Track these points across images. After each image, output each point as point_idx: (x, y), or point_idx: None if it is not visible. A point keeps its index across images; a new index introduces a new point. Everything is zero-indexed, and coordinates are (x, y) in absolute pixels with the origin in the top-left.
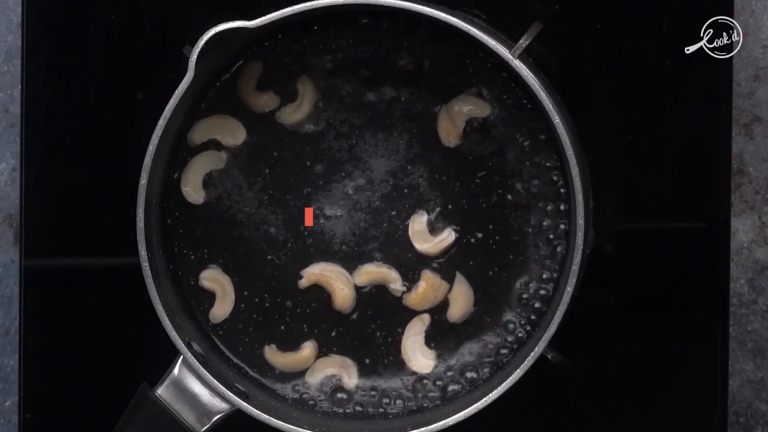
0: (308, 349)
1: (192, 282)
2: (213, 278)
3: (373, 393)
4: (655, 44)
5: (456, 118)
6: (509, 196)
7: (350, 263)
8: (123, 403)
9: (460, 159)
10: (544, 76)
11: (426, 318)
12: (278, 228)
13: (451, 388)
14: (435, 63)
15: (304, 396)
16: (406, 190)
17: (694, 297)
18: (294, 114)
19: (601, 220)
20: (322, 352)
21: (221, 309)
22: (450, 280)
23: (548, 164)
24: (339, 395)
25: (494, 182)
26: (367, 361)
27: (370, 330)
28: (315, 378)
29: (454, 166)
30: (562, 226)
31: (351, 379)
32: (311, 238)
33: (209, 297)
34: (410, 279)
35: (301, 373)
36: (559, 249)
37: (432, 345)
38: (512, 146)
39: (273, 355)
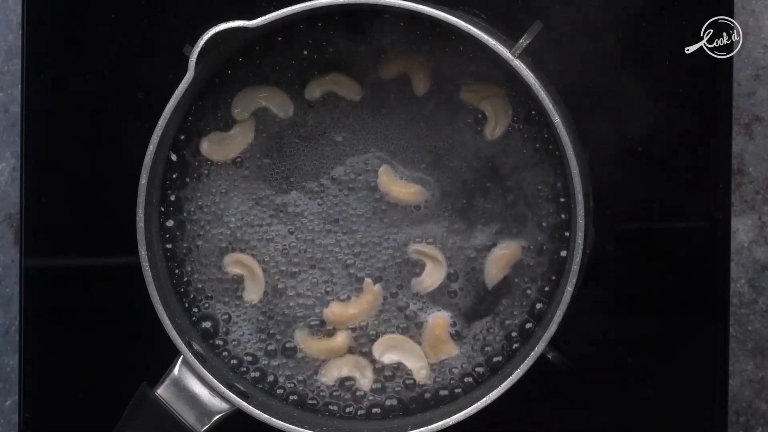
0: (341, 337)
1: (192, 281)
2: (238, 262)
3: (374, 394)
4: (655, 44)
5: (473, 97)
6: (510, 196)
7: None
8: (123, 403)
9: (460, 160)
10: (544, 76)
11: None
12: (278, 228)
13: (450, 388)
14: (446, 61)
15: (305, 395)
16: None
17: (694, 297)
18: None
19: (601, 220)
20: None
21: (254, 291)
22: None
23: (548, 164)
24: (343, 395)
25: (494, 182)
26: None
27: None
28: (329, 378)
29: (454, 165)
30: (562, 226)
31: (366, 380)
32: (310, 240)
33: (210, 296)
34: (411, 273)
35: (306, 373)
36: (559, 249)
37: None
38: (512, 146)
39: (304, 339)
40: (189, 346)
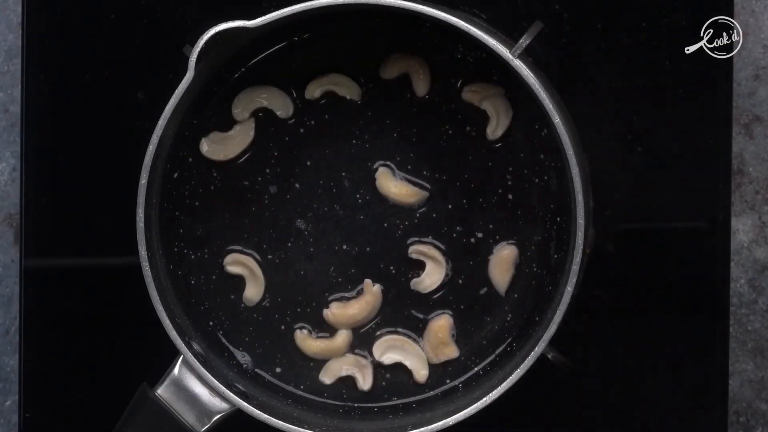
0: (341, 337)
1: (192, 281)
2: (238, 262)
3: (374, 394)
4: (655, 44)
5: (473, 97)
6: (510, 196)
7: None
8: (123, 403)
9: (459, 160)
10: (544, 76)
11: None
12: (278, 228)
13: (450, 388)
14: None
15: (305, 395)
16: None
17: (694, 297)
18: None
19: (601, 220)
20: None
21: (254, 291)
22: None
23: (548, 164)
24: (344, 394)
25: (494, 182)
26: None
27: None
28: (329, 378)
29: (454, 166)
30: (562, 226)
31: (366, 380)
32: (311, 240)
33: (210, 296)
34: (412, 265)
35: (308, 374)
36: (559, 249)
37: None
38: (513, 146)
39: (304, 340)
40: (189, 346)
